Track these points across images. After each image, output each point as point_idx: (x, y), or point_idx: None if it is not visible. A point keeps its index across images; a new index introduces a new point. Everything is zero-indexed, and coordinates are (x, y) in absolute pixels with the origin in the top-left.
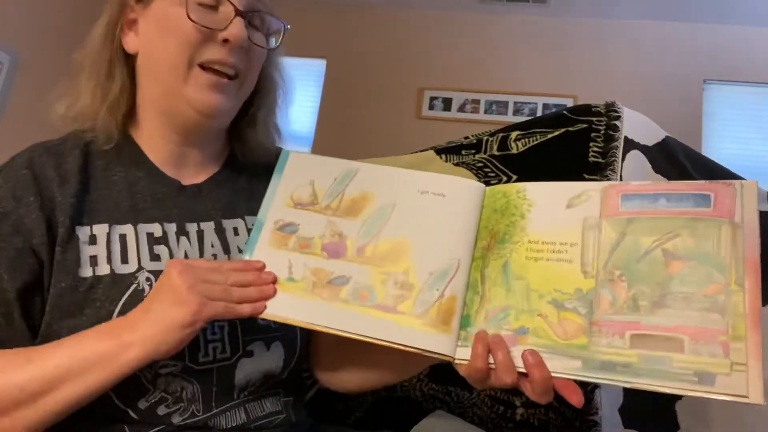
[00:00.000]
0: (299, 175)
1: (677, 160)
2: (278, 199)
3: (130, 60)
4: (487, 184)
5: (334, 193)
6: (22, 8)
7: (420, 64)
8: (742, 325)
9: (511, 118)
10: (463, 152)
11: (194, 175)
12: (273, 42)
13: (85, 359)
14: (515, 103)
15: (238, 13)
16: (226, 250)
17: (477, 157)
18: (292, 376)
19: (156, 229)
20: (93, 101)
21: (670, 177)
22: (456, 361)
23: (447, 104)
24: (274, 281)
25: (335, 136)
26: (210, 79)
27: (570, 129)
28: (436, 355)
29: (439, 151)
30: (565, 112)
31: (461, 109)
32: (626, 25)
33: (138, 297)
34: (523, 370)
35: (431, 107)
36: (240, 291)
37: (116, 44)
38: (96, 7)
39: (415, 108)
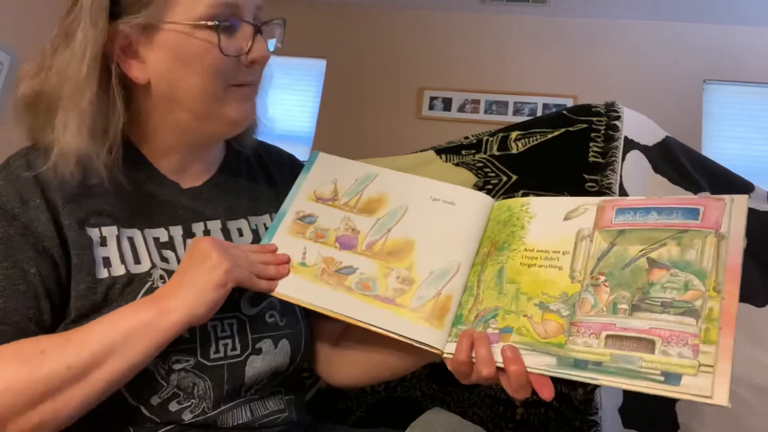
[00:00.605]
0: (324, 174)
1: (677, 160)
2: (302, 193)
3: (130, 88)
4: (487, 183)
5: (354, 192)
6: (21, 8)
7: (420, 64)
8: (714, 329)
9: (511, 118)
10: (463, 152)
11: (194, 179)
12: (275, 42)
13: (127, 330)
14: (515, 103)
15: (256, 30)
16: None
17: (477, 157)
18: (294, 374)
19: (162, 234)
20: (79, 141)
21: (670, 177)
22: (444, 355)
23: (447, 104)
24: (288, 262)
25: (335, 136)
26: (246, 93)
27: (570, 129)
28: (426, 347)
29: (439, 151)
30: (565, 112)
31: (461, 109)
32: (626, 25)
33: (153, 293)
34: (502, 365)
35: (431, 107)
36: (260, 267)
37: (115, 75)
38: None
39: (415, 108)
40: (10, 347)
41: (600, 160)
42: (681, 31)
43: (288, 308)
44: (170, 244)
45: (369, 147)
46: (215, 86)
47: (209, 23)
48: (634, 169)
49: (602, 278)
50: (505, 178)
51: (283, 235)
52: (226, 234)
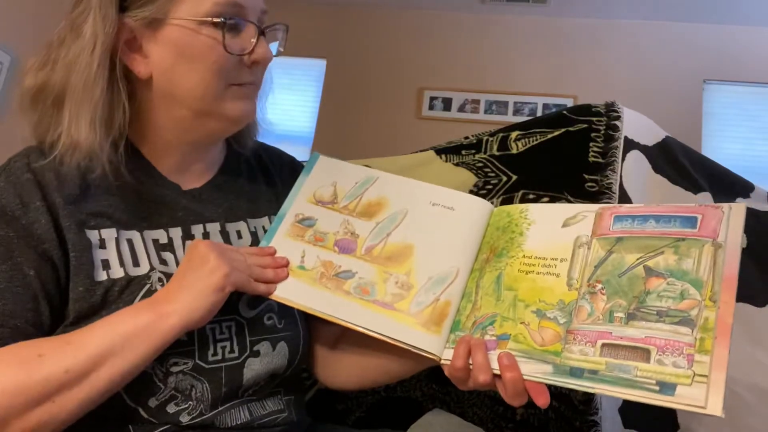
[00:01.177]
0: (324, 176)
1: (677, 160)
2: (302, 195)
3: (134, 82)
4: (487, 183)
5: (353, 195)
6: (21, 8)
7: (420, 64)
8: (709, 338)
9: (511, 118)
10: (463, 152)
11: (194, 180)
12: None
13: (125, 333)
14: (515, 103)
15: (260, 32)
16: None
17: (477, 157)
18: (293, 375)
19: (161, 235)
20: (90, 134)
21: (670, 177)
22: (442, 362)
23: (447, 104)
24: (287, 265)
25: (335, 136)
26: (246, 92)
27: (570, 129)
28: (423, 353)
29: (439, 151)
30: (565, 112)
31: (461, 109)
32: (626, 25)
33: (151, 296)
34: (499, 372)
35: (431, 107)
36: (258, 270)
37: (119, 69)
38: None
39: (415, 108)
40: (9, 350)
41: (600, 160)
42: (681, 31)
43: (286, 311)
44: (169, 246)
45: (369, 147)
46: (216, 84)
47: (215, 20)
48: (634, 169)
49: (599, 286)
50: (505, 178)
51: (282, 238)
52: (225, 236)
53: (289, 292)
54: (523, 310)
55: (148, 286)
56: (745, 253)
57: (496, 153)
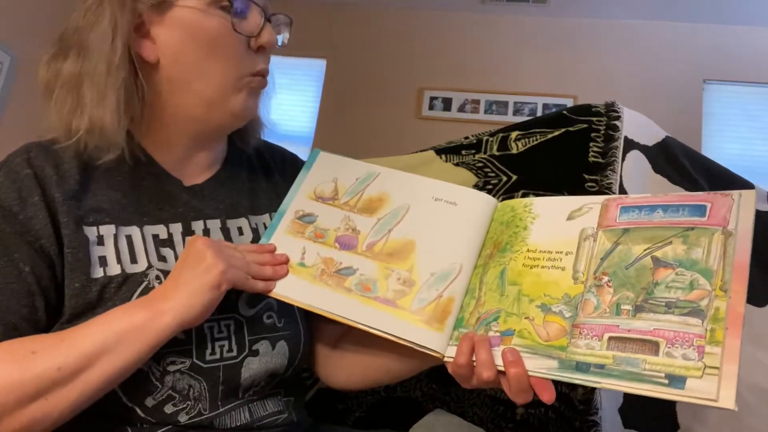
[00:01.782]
0: (325, 172)
1: (677, 160)
2: (302, 192)
3: (144, 68)
4: (487, 183)
5: (354, 192)
6: (21, 8)
7: (420, 64)
8: (720, 329)
9: (511, 118)
10: (463, 152)
11: (196, 175)
12: (281, 38)
13: (120, 331)
14: (515, 103)
15: (267, 18)
16: None
17: (477, 157)
18: (294, 375)
19: (161, 231)
20: (114, 120)
21: (670, 177)
22: (445, 359)
23: (447, 104)
24: (286, 262)
25: (335, 136)
26: (254, 87)
27: (570, 129)
28: (426, 350)
29: (439, 151)
30: (565, 112)
31: (461, 109)
32: (626, 25)
33: (149, 293)
34: (503, 369)
35: (431, 107)
36: (257, 267)
37: (133, 53)
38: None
39: (415, 108)
40: (2, 346)
41: (600, 160)
42: (681, 31)
43: (286, 309)
44: (169, 242)
45: (369, 147)
46: (230, 71)
47: (223, 2)
48: (634, 169)
49: (605, 279)
50: (505, 178)
51: (282, 235)
52: (226, 233)
53: (288, 290)
54: (527, 305)
55: (145, 283)
56: None
57: (496, 153)
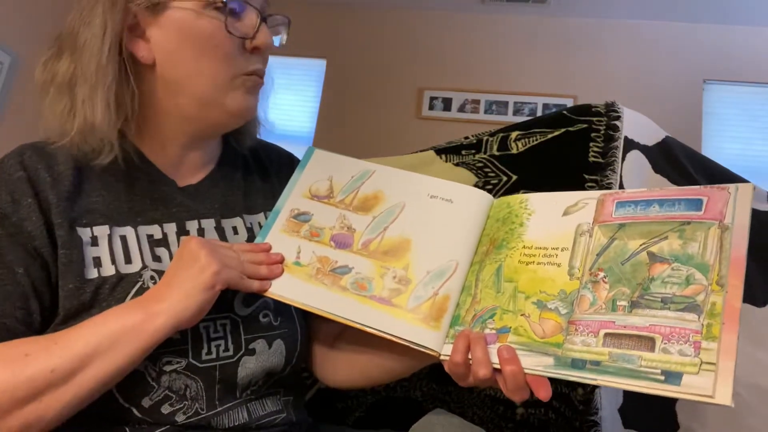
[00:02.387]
0: (320, 171)
1: (677, 161)
2: (297, 190)
3: (138, 68)
4: (487, 183)
5: (350, 190)
6: (22, 8)
7: (420, 64)
8: (717, 324)
9: (511, 118)
10: (463, 152)
11: (190, 175)
12: (278, 39)
13: (113, 333)
14: (515, 103)
15: (262, 19)
16: None
17: (477, 157)
18: (292, 374)
19: (156, 231)
20: (105, 118)
21: (670, 177)
22: (441, 357)
23: (447, 104)
24: (282, 261)
25: (335, 136)
26: (250, 86)
27: (570, 129)
28: (423, 349)
29: (439, 151)
30: (564, 112)
31: (461, 109)
32: (626, 25)
33: (143, 294)
34: (499, 366)
35: (431, 107)
36: (252, 267)
37: (126, 54)
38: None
39: (415, 108)
40: None
41: (600, 160)
42: (681, 31)
43: (283, 308)
44: (164, 242)
45: (369, 147)
46: (222, 70)
47: (217, 3)
48: (634, 169)
49: (601, 274)
50: (505, 178)
51: (278, 234)
52: (221, 232)
53: (284, 289)
54: (523, 301)
55: (140, 283)
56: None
57: (496, 153)
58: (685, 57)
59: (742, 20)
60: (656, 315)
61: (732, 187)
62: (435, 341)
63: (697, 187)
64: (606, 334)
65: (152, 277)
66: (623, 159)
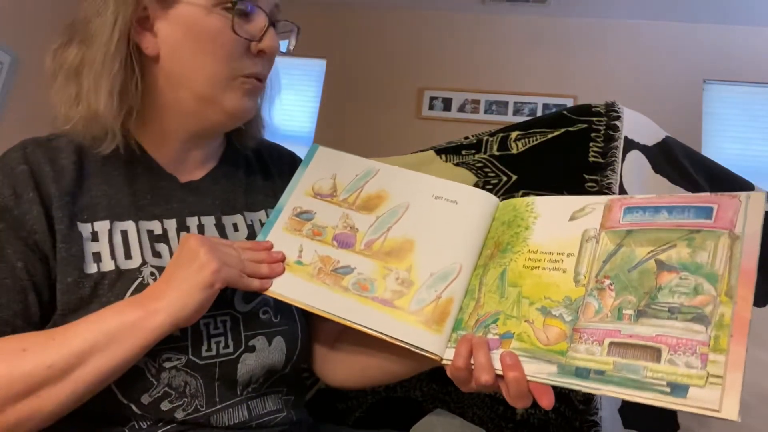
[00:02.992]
0: (323, 169)
1: (677, 161)
2: (300, 188)
3: (143, 61)
4: (487, 183)
5: (353, 188)
6: (21, 8)
7: (420, 64)
8: (725, 336)
9: (511, 118)
10: (463, 152)
11: (192, 172)
12: (285, 45)
13: (111, 330)
14: (515, 103)
15: (271, 23)
16: None
17: (477, 157)
18: (294, 373)
19: (156, 226)
20: (108, 106)
21: (670, 177)
22: (443, 361)
23: (447, 104)
24: (283, 260)
25: (335, 136)
26: (253, 83)
27: (570, 129)
28: (424, 352)
29: (439, 151)
30: (565, 112)
31: (461, 109)
32: (626, 25)
33: (143, 290)
34: (501, 372)
35: (431, 107)
36: (252, 265)
37: (132, 45)
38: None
39: (415, 108)
40: None
41: (600, 160)
42: (681, 31)
43: (282, 305)
44: (164, 237)
45: (369, 147)
46: (220, 68)
47: (227, 3)
48: (634, 169)
49: (607, 282)
50: (505, 178)
51: (279, 232)
52: (221, 229)
53: (284, 288)
54: (527, 307)
55: (139, 279)
56: None
57: (496, 153)
58: (685, 57)
59: (742, 20)
60: (663, 325)
61: (743, 195)
62: (437, 345)
63: (707, 194)
64: (611, 343)
65: (152, 274)
66: (623, 159)
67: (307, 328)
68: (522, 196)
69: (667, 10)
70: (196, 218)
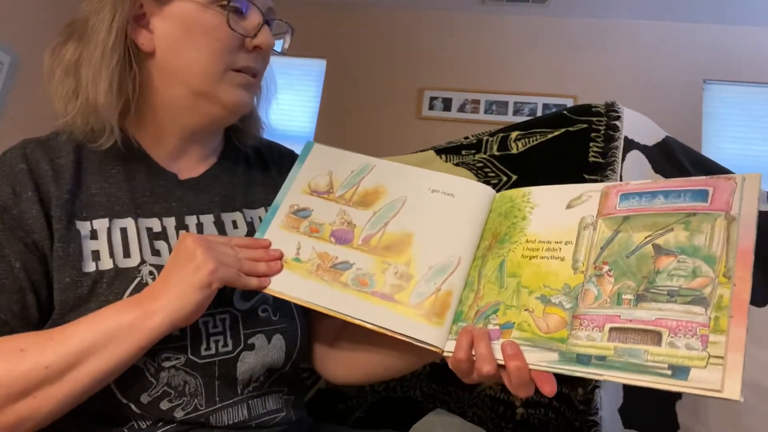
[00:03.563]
0: (319, 165)
1: (677, 160)
2: (296, 185)
3: (140, 57)
4: (487, 183)
5: (350, 184)
6: (21, 8)
7: (420, 64)
8: (724, 317)
9: (511, 118)
10: (463, 152)
11: (191, 168)
12: (280, 44)
13: (109, 331)
14: (515, 103)
15: (265, 20)
16: None
17: (477, 157)
18: (294, 372)
19: (155, 224)
20: (107, 99)
21: (670, 177)
22: (444, 354)
23: (447, 104)
24: (281, 257)
25: (335, 136)
26: (246, 78)
27: (570, 129)
28: (425, 345)
29: (439, 151)
30: (565, 112)
31: (461, 109)
32: (626, 25)
33: (142, 290)
34: (503, 362)
35: (431, 107)
36: (250, 264)
37: (129, 41)
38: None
39: (415, 108)
40: None
41: (600, 160)
42: (681, 31)
43: (281, 303)
44: (163, 235)
45: (369, 147)
46: (215, 63)
47: (222, 1)
48: (634, 168)
49: (606, 268)
50: (505, 178)
51: (277, 230)
52: (220, 227)
53: (283, 286)
54: (527, 296)
55: (138, 279)
56: None
57: (496, 153)
58: (685, 57)
59: (742, 20)
60: (662, 308)
61: (738, 177)
62: (438, 338)
63: (703, 177)
64: (611, 329)
65: (151, 273)
66: (623, 159)
67: (306, 326)
68: None
69: (667, 10)
70: (194, 217)
